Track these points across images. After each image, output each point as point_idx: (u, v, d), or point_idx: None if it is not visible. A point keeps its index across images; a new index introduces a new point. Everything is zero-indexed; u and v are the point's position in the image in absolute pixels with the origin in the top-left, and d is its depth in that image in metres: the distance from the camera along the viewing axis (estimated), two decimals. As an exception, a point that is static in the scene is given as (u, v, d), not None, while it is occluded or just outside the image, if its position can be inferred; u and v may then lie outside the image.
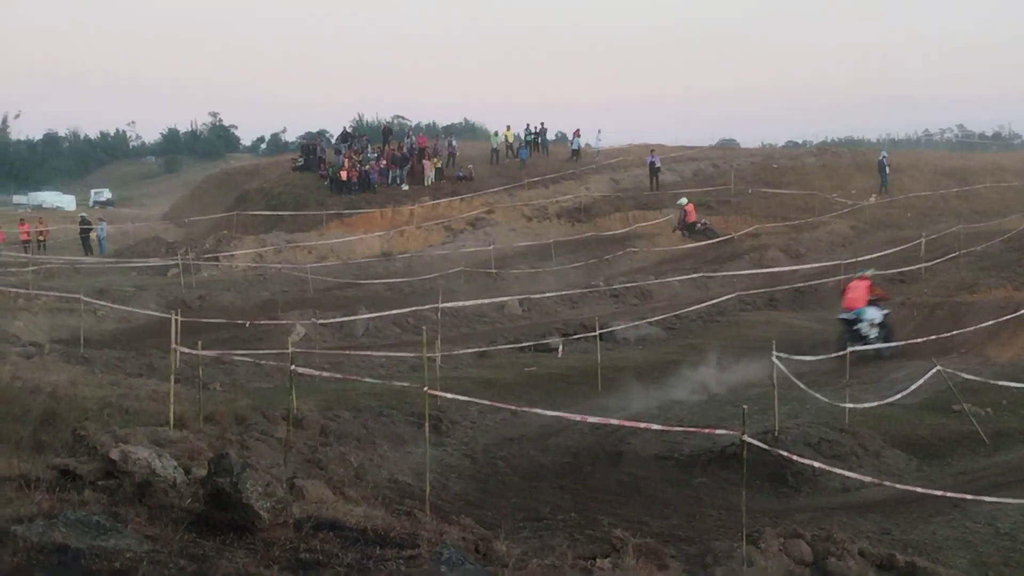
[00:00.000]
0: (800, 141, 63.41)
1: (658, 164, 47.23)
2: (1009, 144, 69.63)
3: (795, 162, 50.80)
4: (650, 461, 13.55)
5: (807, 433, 13.66)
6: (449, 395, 12.32)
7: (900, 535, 10.44)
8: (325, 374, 13.64)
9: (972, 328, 20.13)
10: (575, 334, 22.71)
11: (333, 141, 57.66)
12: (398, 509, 9.60)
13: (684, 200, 38.44)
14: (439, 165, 48.31)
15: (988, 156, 54.68)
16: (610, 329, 22.82)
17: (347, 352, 20.61)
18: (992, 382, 16.49)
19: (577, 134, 52.47)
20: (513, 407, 13.67)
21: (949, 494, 10.85)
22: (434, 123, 70.05)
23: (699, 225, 36.91)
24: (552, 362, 20.71)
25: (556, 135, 59.93)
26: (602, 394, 17.83)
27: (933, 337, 19.46)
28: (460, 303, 25.55)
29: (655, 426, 12.25)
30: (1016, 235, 33.72)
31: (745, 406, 10.15)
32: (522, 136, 52.60)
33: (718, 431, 12.08)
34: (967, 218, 36.96)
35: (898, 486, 11.36)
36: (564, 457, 13.90)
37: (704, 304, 25.77)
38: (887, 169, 44.06)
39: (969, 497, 10.82)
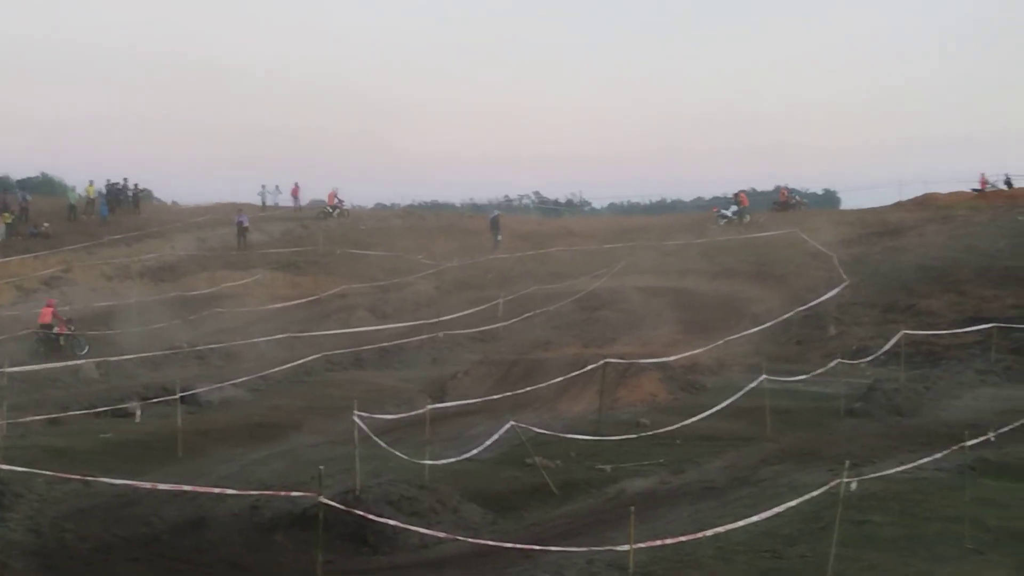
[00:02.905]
0: (388, 204, 64.18)
1: (246, 223, 46.03)
2: (580, 210, 75.13)
3: (383, 224, 51.35)
4: (232, 526, 13.08)
5: (388, 491, 13.66)
6: (6, 467, 11.47)
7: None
8: None
9: (545, 384, 20.81)
10: (155, 398, 21.64)
11: None
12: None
13: None
14: (9, 220, 44.25)
15: (561, 221, 57.82)
16: (192, 392, 21.96)
17: None
18: (562, 435, 17.30)
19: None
20: (83, 477, 12.75)
21: (519, 546, 11.08)
22: (7, 176, 64.59)
23: None
24: (130, 428, 19.84)
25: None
26: (183, 460, 17.14)
27: (509, 394, 19.90)
28: (29, 367, 23.73)
29: (231, 491, 11.99)
30: (585, 296, 35.30)
31: (322, 467, 10.07)
32: (103, 191, 49.48)
33: (296, 493, 11.83)
34: (542, 279, 38.53)
35: (472, 540, 11.60)
36: (141, 527, 13.16)
37: (290, 365, 25.37)
38: (499, 228, 45.38)
39: (537, 548, 11.13)
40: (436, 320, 30.52)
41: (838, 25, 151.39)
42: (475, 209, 59.46)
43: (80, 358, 26.05)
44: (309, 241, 45.82)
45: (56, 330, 28.23)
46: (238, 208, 48.71)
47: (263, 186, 53.94)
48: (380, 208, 60.68)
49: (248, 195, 53.57)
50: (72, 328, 28.76)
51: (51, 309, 29.03)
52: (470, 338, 30.06)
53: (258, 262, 41.19)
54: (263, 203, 52.96)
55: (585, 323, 32.16)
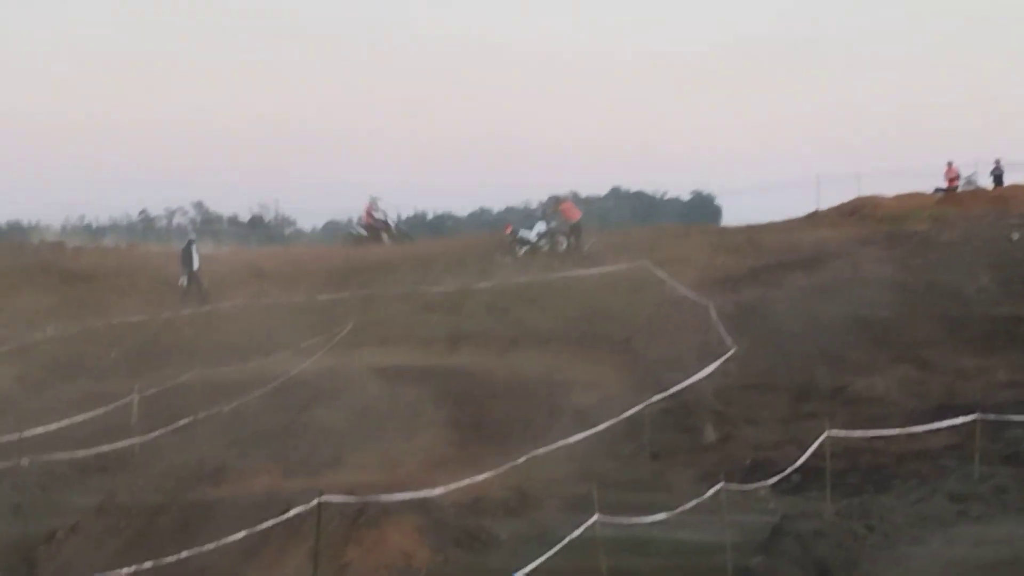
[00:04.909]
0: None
1: None
2: (277, 235, 70.67)
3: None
4: None
5: None
6: None
7: None
8: None
9: (216, 544, 16.54)
10: None
11: None
12: None
13: None
14: None
15: (242, 254, 51.69)
16: None
17: None
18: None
19: None
20: None
21: None
22: None
23: None
24: None
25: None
26: None
27: (149, 564, 15.84)
28: None
29: None
30: (285, 385, 30.64)
31: None
32: None
33: None
34: (210, 357, 32.82)
35: None
36: None
37: None
38: (196, 263, 39.11)
39: None
40: (16, 436, 25.11)
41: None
42: (83, 233, 52.69)
43: None
44: None
45: None
46: None
47: None
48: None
49: None
50: None
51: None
52: (80, 466, 25.82)
53: None
54: None
55: (286, 433, 27.81)
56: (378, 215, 47.75)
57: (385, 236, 47.09)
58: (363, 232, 45.86)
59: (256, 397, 30.72)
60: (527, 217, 46.06)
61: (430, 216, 66.16)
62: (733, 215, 58.50)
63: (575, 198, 50.47)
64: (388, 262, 42.92)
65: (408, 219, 64.75)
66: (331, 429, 28.40)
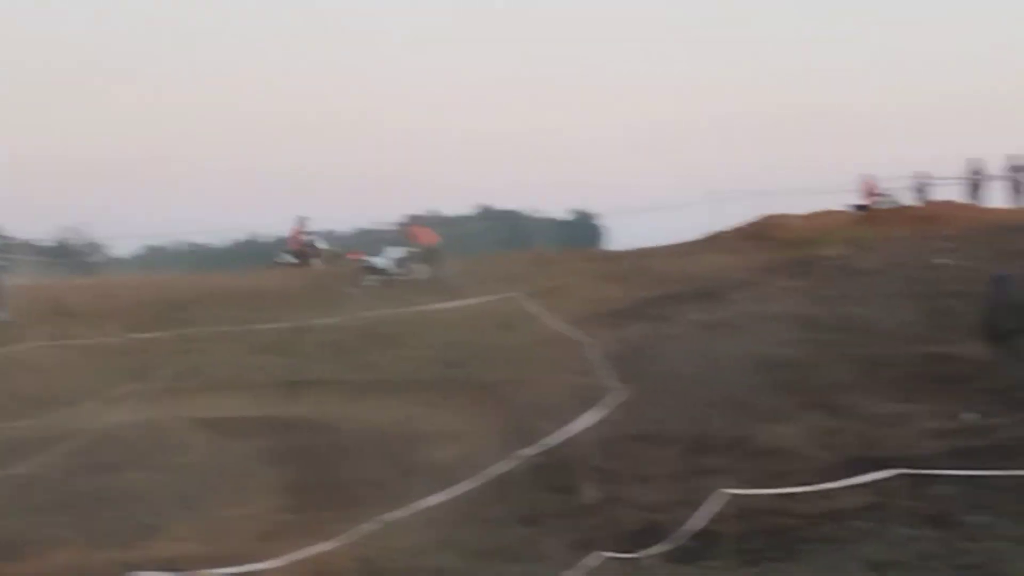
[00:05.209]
0: None
1: None
2: (84, 262, 66.38)
3: None
4: None
5: None
6: None
7: None
8: None
9: None
10: None
11: None
12: None
13: None
14: None
15: (41, 287, 46.76)
16: None
17: None
18: None
19: None
20: None
21: None
22: None
23: None
24: None
25: None
26: None
27: None
28: None
29: None
30: (91, 442, 28.33)
31: None
32: None
33: None
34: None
35: None
36: None
37: None
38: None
39: None
40: None
41: None
42: None
43: None
44: None
45: None
46: None
47: None
48: None
49: None
50: None
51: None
52: None
53: None
54: None
55: (93, 497, 25.33)
56: (307, 238, 45.19)
57: (318, 261, 44.70)
58: (291, 259, 43.44)
59: (58, 455, 28.05)
60: (381, 241, 43.54)
61: (267, 240, 62.58)
62: (620, 237, 56.11)
63: (435, 219, 48.51)
64: (214, 294, 39.87)
65: (243, 243, 61.66)
66: (146, 492, 25.88)
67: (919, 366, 27.16)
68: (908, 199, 43.20)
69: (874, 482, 20.52)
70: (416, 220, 42.20)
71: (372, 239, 45.63)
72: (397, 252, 40.03)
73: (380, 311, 36.47)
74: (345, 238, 60.59)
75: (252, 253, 61.73)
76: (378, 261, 39.99)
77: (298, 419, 29.67)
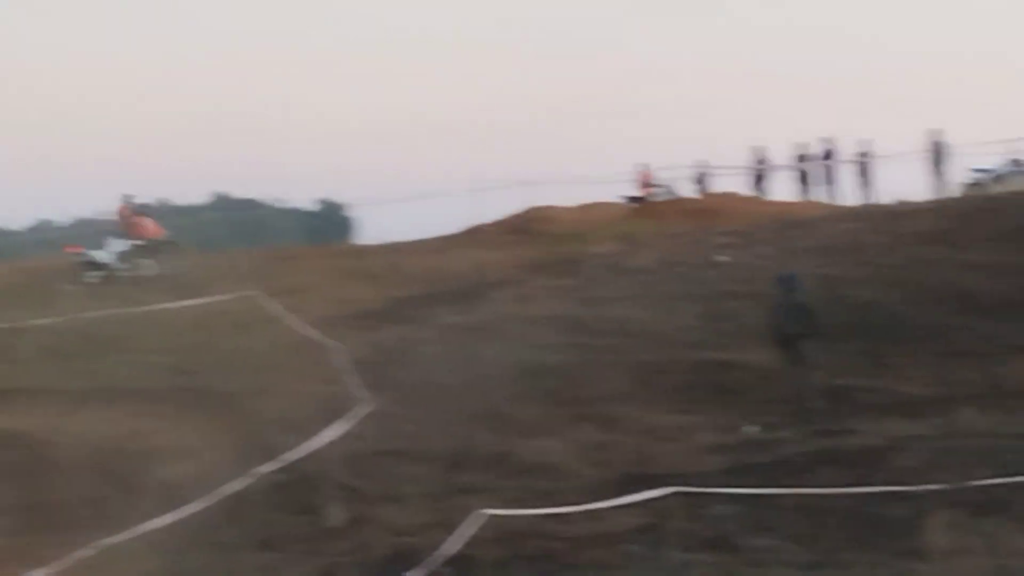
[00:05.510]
0: None
1: None
2: None
3: None
4: None
5: None
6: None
7: None
8: None
9: None
10: None
11: None
12: None
13: None
14: None
15: None
16: None
17: None
18: None
19: None
20: None
21: None
22: None
23: None
24: None
25: None
26: None
27: None
28: None
29: None
30: None
31: None
32: None
33: None
34: None
35: None
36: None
37: None
38: None
39: None
40: None
41: None
42: None
43: None
44: None
45: None
46: None
47: None
48: None
49: None
50: None
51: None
52: None
53: None
54: None
55: None
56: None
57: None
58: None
59: None
60: (103, 233, 40.70)
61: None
62: (372, 231, 54.32)
63: (164, 208, 46.72)
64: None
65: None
66: None
67: (697, 374, 26.35)
68: (687, 190, 42.31)
69: (648, 501, 19.62)
70: (141, 209, 40.05)
71: (93, 230, 43.05)
72: (121, 245, 38.27)
73: (101, 311, 34.71)
74: (63, 229, 57.35)
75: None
76: (99, 255, 38.05)
77: (8, 432, 26.88)
